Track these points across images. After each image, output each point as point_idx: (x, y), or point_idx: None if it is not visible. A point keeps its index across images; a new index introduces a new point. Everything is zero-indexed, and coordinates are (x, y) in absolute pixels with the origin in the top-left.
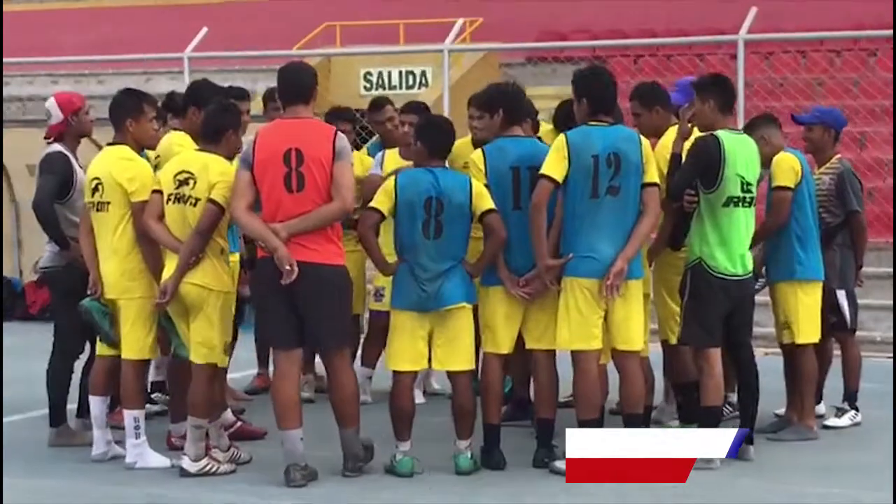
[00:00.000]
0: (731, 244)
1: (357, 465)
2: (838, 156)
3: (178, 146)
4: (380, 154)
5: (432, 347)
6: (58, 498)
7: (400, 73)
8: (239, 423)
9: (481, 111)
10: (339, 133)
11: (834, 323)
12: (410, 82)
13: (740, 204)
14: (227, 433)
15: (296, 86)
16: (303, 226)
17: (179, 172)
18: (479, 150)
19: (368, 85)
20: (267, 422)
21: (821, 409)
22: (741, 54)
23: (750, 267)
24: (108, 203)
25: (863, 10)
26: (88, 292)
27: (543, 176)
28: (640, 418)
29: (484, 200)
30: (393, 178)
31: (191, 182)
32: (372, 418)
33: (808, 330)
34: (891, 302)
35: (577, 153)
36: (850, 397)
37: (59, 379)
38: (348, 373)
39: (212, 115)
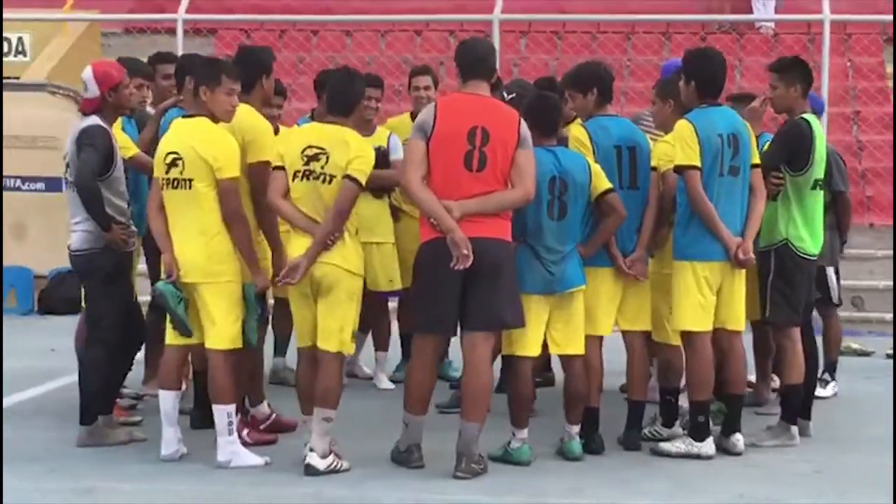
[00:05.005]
0: (815, 225)
1: (471, 467)
2: None
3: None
4: None
5: (549, 331)
6: None
7: None
8: (274, 416)
9: (574, 91)
10: (521, 118)
11: (819, 299)
12: (6, 49)
13: (821, 186)
14: (262, 426)
15: (479, 61)
16: (480, 208)
17: (307, 147)
18: (581, 128)
19: None
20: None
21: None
22: (496, 34)
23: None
24: (191, 180)
25: None
26: (163, 276)
27: (686, 167)
28: (742, 399)
29: (602, 180)
30: None
31: (322, 157)
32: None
33: None
34: None
35: (705, 136)
36: (831, 368)
37: (96, 373)
38: (489, 362)
39: (340, 86)
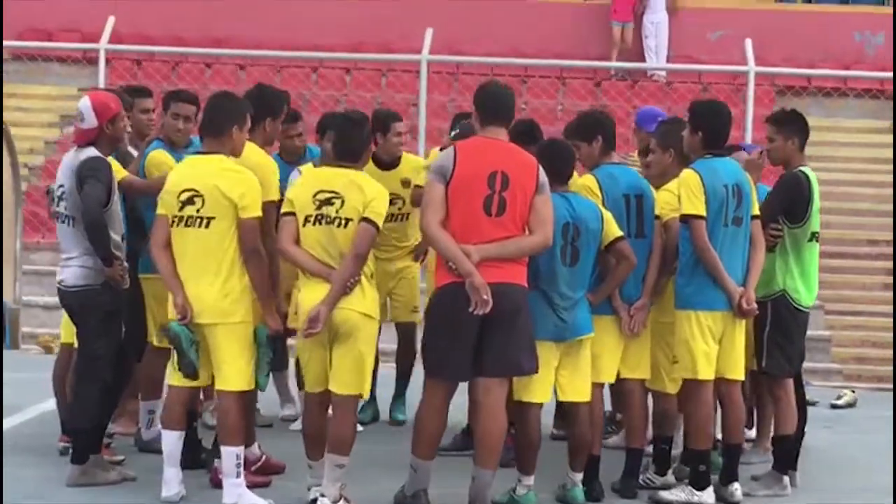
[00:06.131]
0: (810, 277)
1: None
2: None
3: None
4: (295, 173)
5: (556, 377)
6: None
7: None
8: (264, 457)
9: (578, 140)
10: (539, 165)
11: None
12: None
13: (817, 239)
14: (253, 468)
15: (499, 107)
16: (498, 253)
17: (319, 192)
18: (590, 176)
19: None
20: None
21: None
22: (424, 75)
23: None
24: (212, 218)
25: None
26: (178, 316)
27: (692, 216)
28: (741, 448)
29: (613, 227)
30: None
31: (335, 202)
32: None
33: None
34: None
35: (711, 186)
36: None
37: (91, 411)
38: (504, 408)
39: (348, 132)
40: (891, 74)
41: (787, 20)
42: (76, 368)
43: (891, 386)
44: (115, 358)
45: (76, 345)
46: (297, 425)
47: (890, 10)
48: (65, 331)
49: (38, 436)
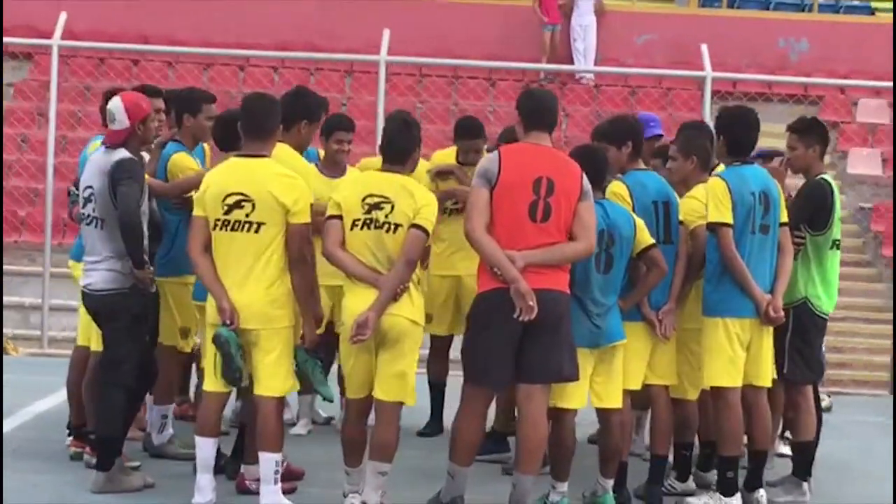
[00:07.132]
0: (831, 284)
1: None
2: None
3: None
4: None
5: (591, 384)
6: None
7: None
8: (286, 463)
9: (608, 143)
10: (583, 172)
11: None
12: None
13: (838, 246)
14: None
15: (543, 112)
16: (542, 259)
17: (368, 196)
18: (620, 183)
19: None
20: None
21: None
22: (382, 76)
23: None
24: (262, 224)
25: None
26: (226, 322)
27: (719, 224)
28: (766, 455)
29: (645, 235)
30: None
31: (385, 206)
32: None
33: None
34: None
35: (738, 194)
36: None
37: (116, 417)
38: (545, 414)
39: (395, 134)
40: (824, 80)
41: (711, 25)
42: (99, 374)
43: (850, 391)
44: (139, 362)
45: (92, 348)
46: (298, 429)
47: (811, 16)
48: (83, 334)
49: (40, 440)
